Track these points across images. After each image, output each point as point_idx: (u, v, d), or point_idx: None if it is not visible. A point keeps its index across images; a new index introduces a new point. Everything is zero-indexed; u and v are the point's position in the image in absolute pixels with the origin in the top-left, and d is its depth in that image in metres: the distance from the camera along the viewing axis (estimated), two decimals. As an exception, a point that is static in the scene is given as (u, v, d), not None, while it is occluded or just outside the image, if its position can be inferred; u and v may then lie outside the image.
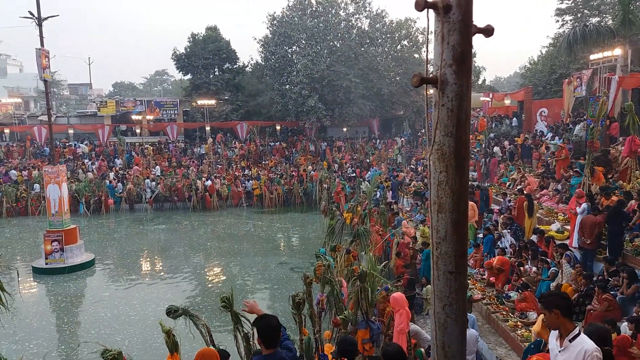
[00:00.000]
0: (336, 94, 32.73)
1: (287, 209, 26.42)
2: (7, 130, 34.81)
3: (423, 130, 34.63)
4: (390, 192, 21.00)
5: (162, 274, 15.80)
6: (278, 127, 36.75)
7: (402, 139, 33.24)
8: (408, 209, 19.43)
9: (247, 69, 40.78)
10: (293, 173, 29.10)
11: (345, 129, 35.97)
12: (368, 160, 30.15)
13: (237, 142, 34.36)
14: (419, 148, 31.47)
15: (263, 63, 35.91)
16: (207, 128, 35.91)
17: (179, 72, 39.84)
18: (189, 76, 40.13)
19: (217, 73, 39.05)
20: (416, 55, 35.72)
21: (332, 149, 33.30)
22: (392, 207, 18.18)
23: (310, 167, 29.81)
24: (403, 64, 34.58)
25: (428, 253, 12.07)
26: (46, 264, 15.73)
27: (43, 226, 19.91)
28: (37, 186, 26.05)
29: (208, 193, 26.37)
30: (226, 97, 38.09)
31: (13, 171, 27.93)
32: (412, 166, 26.43)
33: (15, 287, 13.88)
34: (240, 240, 19.98)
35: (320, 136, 36.64)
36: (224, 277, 15.40)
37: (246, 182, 27.80)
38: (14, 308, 12.44)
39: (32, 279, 15.36)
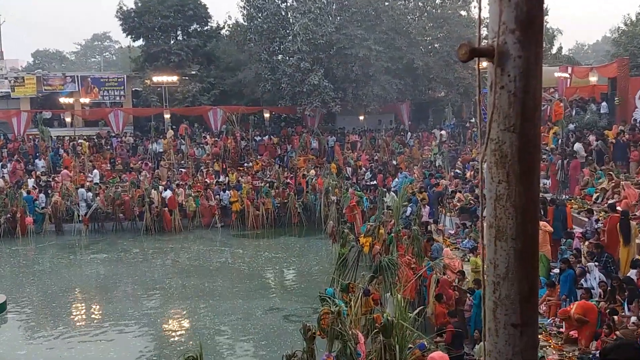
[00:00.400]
0: (349, 68, 32.84)
1: (279, 232, 26.43)
2: None
3: (473, 120, 34.70)
4: (427, 207, 20.99)
5: (101, 324, 15.81)
6: (267, 115, 36.88)
7: (444, 131, 33.29)
8: (452, 231, 19.38)
9: (224, 31, 40.96)
10: (288, 180, 29.15)
11: (362, 118, 36.06)
12: (395, 162, 30.18)
13: (208, 136, 34.49)
14: (468, 145, 31.48)
15: (246, 24, 36.13)
16: (167, 116, 36.09)
17: (127, 36, 40.16)
18: (140, 42, 40.38)
19: (180, 38, 39.30)
20: (463, 13, 35.79)
21: (344, 145, 33.37)
22: (428, 229, 18.12)
23: (312, 172, 29.83)
24: (445, 25, 34.70)
25: (481, 295, 12.02)
26: (-64, 308, 15.80)
27: None
28: None
29: (167, 208, 26.47)
30: (193, 72, 38.31)
31: None
32: (457, 171, 26.41)
33: None
34: (213, 276, 19.98)
35: (326, 128, 36.72)
36: (190, 329, 15.39)
37: (221, 192, 27.87)
38: None
39: None
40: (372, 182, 27.03)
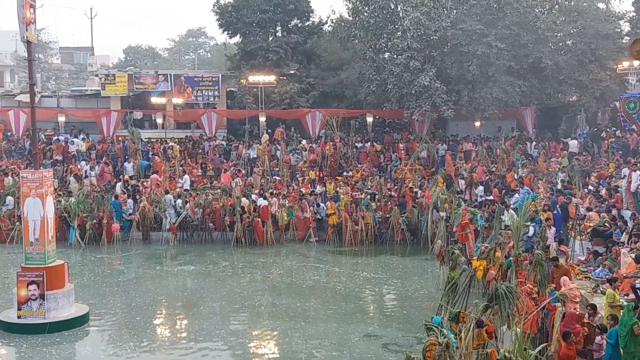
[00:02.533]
0: (465, 67, 32.33)
1: (379, 249, 26.29)
2: (-31, 116, 37.80)
3: (611, 129, 33.17)
4: (553, 228, 20.25)
5: (186, 341, 16.25)
6: (370, 119, 36.91)
7: (575, 141, 32.09)
8: (582, 257, 18.64)
9: (326, 27, 41.41)
10: (391, 192, 28.95)
11: (478, 124, 35.37)
12: (516, 175, 29.31)
13: (305, 141, 34.86)
14: (604, 158, 30.10)
15: (350, 18, 36.32)
16: (262, 118, 36.86)
17: (223, 31, 41.43)
18: (237, 38, 41.51)
19: (279, 34, 40.03)
20: (601, 6, 34.40)
21: (456, 154, 32.83)
22: (556, 253, 17.47)
23: (419, 184, 29.52)
24: (578, 19, 33.48)
25: (617, 333, 11.45)
26: (18, 317, 16.72)
27: (17, 260, 21.32)
28: (9, 199, 28.03)
29: (260, 219, 26.93)
30: (292, 72, 38.92)
31: (-23, 177, 30.24)
32: (590, 188, 25.34)
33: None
34: (306, 295, 20.11)
35: (436, 134, 36.25)
36: (279, 352, 15.51)
37: (318, 204, 28.06)
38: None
39: (-3, 337, 16.47)
40: (488, 197, 26.36)
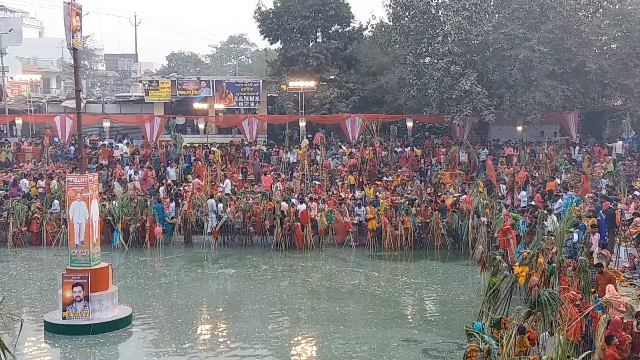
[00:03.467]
0: (507, 72, 32.01)
1: (419, 254, 26.13)
2: (19, 121, 38.76)
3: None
4: (598, 234, 19.87)
5: (227, 343, 16.36)
6: (410, 124, 36.79)
7: (619, 143, 31.54)
8: (626, 264, 18.27)
9: (366, 32, 41.46)
10: (431, 197, 28.76)
11: (520, 128, 34.96)
12: (559, 181, 28.89)
13: (345, 146, 34.90)
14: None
15: (391, 23, 36.30)
16: (302, 123, 37.00)
17: (264, 38, 41.79)
18: (278, 44, 41.81)
19: (319, 40, 40.20)
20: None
21: (497, 159, 32.50)
22: (598, 257, 17.13)
23: (459, 189, 29.27)
24: (623, 23, 32.88)
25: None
26: (63, 318, 17.03)
27: (62, 263, 21.72)
28: (56, 203, 28.57)
29: (299, 223, 27.00)
30: (332, 77, 39.03)
31: (24, 180, 30.97)
32: (636, 193, 24.83)
33: (19, 348, 15.18)
34: (345, 300, 20.08)
35: (477, 139, 35.91)
36: (318, 357, 15.51)
37: (357, 208, 28.02)
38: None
39: (42, 338, 16.72)
40: (530, 203, 26.02)
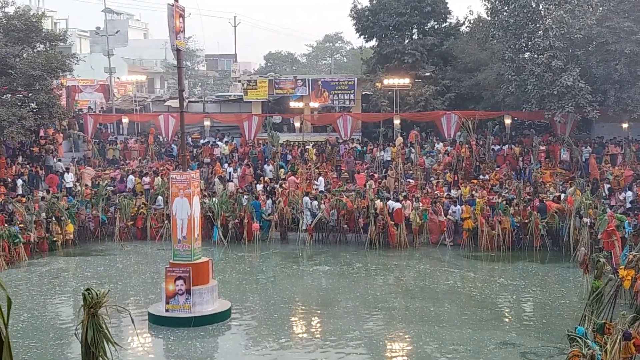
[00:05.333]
0: (612, 67, 30.77)
1: (517, 255, 25.54)
2: (125, 120, 40.39)
3: None
4: None
5: (321, 339, 16.52)
6: (508, 121, 35.97)
7: None
8: None
9: (463, 28, 40.87)
10: (530, 197, 28.02)
11: (625, 126, 33.54)
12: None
13: (440, 144, 34.53)
14: None
15: (489, 18, 35.55)
16: (396, 121, 36.85)
17: (360, 36, 41.85)
18: (373, 42, 41.80)
19: (415, 37, 39.94)
20: None
21: (601, 158, 31.33)
22: None
23: (560, 189, 28.40)
24: None
25: None
26: (166, 310, 17.66)
27: (165, 257, 22.51)
28: (159, 199, 29.64)
29: (393, 222, 26.92)
30: (427, 74, 38.67)
31: (131, 177, 32.27)
32: None
33: (124, 338, 15.87)
34: (440, 300, 19.89)
35: (580, 137, 34.70)
36: (413, 357, 15.44)
37: (452, 207, 27.65)
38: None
39: (147, 329, 17.40)
40: (636, 204, 24.94)
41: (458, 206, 27.51)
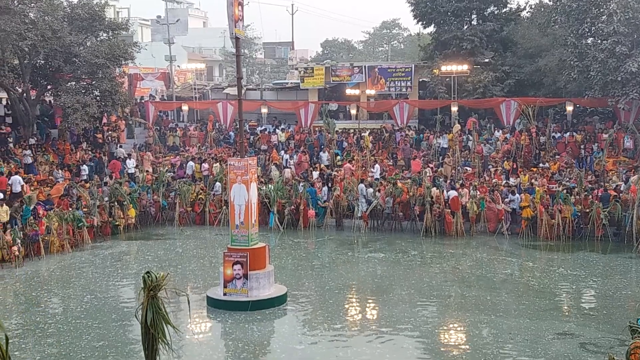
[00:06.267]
0: (680, 52, 29.66)
1: (578, 245, 24.99)
2: (185, 107, 41.03)
3: None
4: None
5: (376, 326, 16.52)
6: (570, 108, 35.19)
7: None
8: None
9: (524, 13, 40.10)
10: (591, 185, 27.34)
11: (693, 113, 32.39)
12: None
13: (499, 132, 34.00)
14: None
15: (551, 3, 34.76)
16: (454, 108, 36.43)
17: (417, 22, 41.38)
18: (431, 28, 41.32)
19: (474, 22, 39.33)
20: None
21: (667, 146, 30.35)
22: None
23: (624, 177, 27.62)
24: None
25: None
26: (224, 294, 17.90)
27: (223, 242, 22.81)
28: (217, 185, 30.03)
29: (449, 210, 26.65)
30: (486, 60, 38.07)
31: (191, 163, 32.74)
32: None
33: (183, 321, 16.18)
34: (497, 289, 19.63)
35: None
36: (468, 345, 15.29)
37: (511, 195, 27.20)
38: (181, 349, 14.50)
39: (205, 312, 17.70)
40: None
41: (517, 194, 27.03)
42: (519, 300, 18.39)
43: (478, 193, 27.41)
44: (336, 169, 31.75)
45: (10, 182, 26.11)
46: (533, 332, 15.71)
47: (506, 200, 26.99)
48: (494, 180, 29.13)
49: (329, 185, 29.38)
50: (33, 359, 14.24)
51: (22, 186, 26.07)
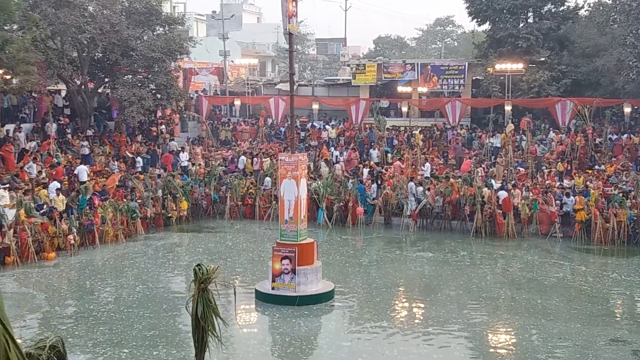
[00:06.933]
0: None
1: (633, 250, 24.40)
2: (237, 102, 41.38)
3: None
4: None
5: (424, 327, 16.41)
6: (628, 110, 34.36)
7: None
8: None
9: (582, 12, 39.32)
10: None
11: None
12: None
13: (554, 132, 33.39)
14: None
15: (610, 2, 34.04)
16: (508, 107, 35.93)
17: (472, 19, 40.91)
18: (485, 26, 40.81)
19: (530, 20, 38.73)
20: None
21: None
22: None
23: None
24: None
25: None
26: (272, 288, 18.03)
27: (272, 236, 22.97)
28: (268, 180, 30.22)
29: (501, 210, 26.28)
30: (542, 59, 37.44)
31: (242, 157, 33.02)
32: None
33: (232, 314, 16.32)
34: (548, 293, 19.29)
35: None
36: (517, 348, 15.09)
37: (564, 197, 26.67)
38: (229, 341, 14.64)
39: (253, 306, 17.87)
40: None
41: (571, 197, 26.49)
42: (570, 305, 18.06)
43: (531, 194, 26.95)
44: (386, 166, 31.61)
45: (76, 171, 27.24)
46: (584, 337, 15.39)
47: (560, 202, 26.47)
48: (547, 182, 28.60)
49: (378, 182, 29.27)
50: (85, 346, 14.58)
51: (88, 175, 26.88)
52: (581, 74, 36.46)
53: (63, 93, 35.78)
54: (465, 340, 15.49)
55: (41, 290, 18.93)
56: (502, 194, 26.69)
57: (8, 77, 27.11)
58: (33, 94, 31.78)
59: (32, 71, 26.42)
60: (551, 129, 34.26)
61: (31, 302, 18.01)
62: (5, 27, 26.65)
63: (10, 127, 29.08)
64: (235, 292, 12.32)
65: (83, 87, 32.60)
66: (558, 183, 28.42)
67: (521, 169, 30.74)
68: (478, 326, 16.45)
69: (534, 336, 15.57)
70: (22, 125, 29.69)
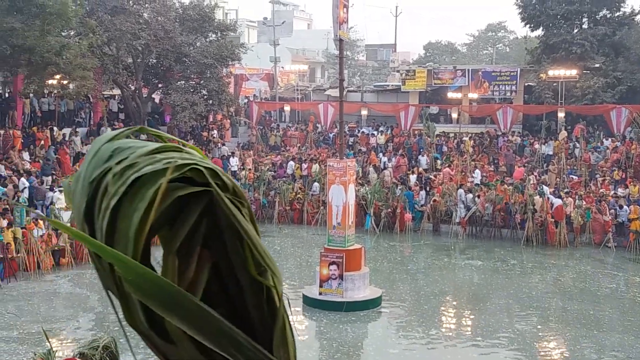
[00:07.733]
0: None
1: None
2: (287, 108, 41.61)
3: None
4: None
5: (472, 335, 16.25)
6: (686, 117, 33.30)
7: None
8: None
9: (638, 18, 38.42)
10: None
11: None
12: None
13: (609, 140, 32.65)
14: None
15: (667, 7, 33.10)
16: (561, 114, 35.24)
17: (525, 25, 40.33)
18: (539, 31, 40.20)
19: (585, 26, 38.00)
20: None
21: None
22: None
23: None
24: None
25: None
26: (320, 293, 18.04)
27: (320, 241, 23.00)
28: (316, 185, 30.29)
29: (553, 219, 25.80)
30: (596, 65, 36.64)
31: (291, 162, 33.19)
32: None
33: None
34: (600, 303, 18.87)
35: None
36: (569, 359, 14.80)
37: (618, 207, 26.04)
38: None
39: (301, 310, 17.90)
40: None
41: (625, 206, 25.84)
42: (624, 317, 17.61)
43: (584, 203, 26.38)
44: (434, 173, 31.35)
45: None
46: (638, 349, 14.98)
47: (614, 212, 25.86)
48: (601, 190, 27.92)
49: (427, 189, 29.05)
50: (137, 347, 14.70)
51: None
52: (637, 80, 35.55)
53: (118, 98, 36.54)
54: (514, 350, 15.24)
55: (95, 291, 19.30)
56: (556, 202, 26.21)
57: (65, 82, 27.83)
58: (89, 99, 32.53)
59: (88, 76, 27.10)
60: (605, 136, 33.48)
61: (85, 302, 18.41)
62: (63, 34, 27.38)
63: (67, 131, 29.85)
64: (289, 302, 12.39)
65: (137, 92, 33.27)
66: (612, 192, 27.75)
67: (574, 177, 30.12)
68: (528, 336, 16.17)
69: (585, 348, 15.22)
70: (78, 130, 30.44)
